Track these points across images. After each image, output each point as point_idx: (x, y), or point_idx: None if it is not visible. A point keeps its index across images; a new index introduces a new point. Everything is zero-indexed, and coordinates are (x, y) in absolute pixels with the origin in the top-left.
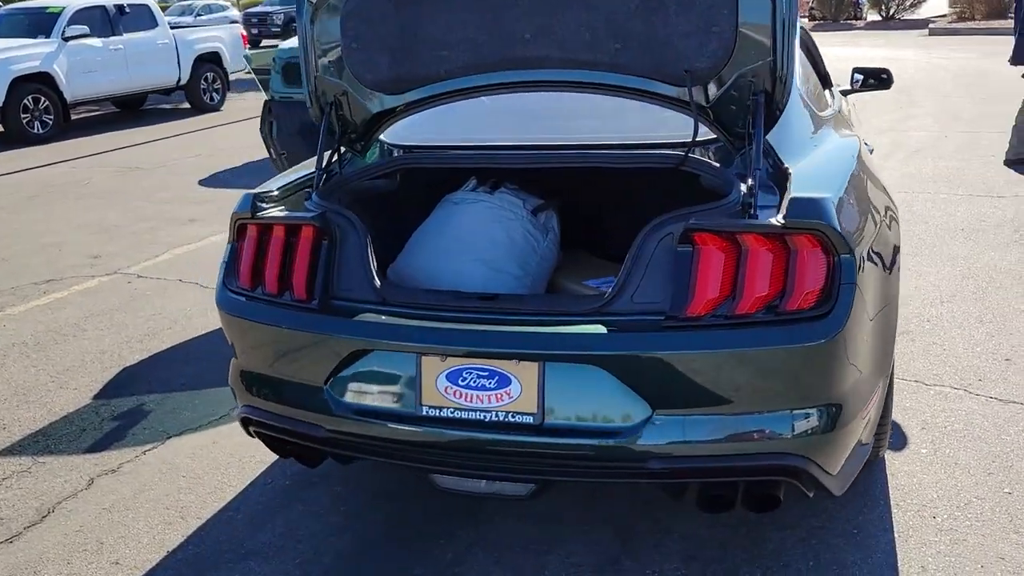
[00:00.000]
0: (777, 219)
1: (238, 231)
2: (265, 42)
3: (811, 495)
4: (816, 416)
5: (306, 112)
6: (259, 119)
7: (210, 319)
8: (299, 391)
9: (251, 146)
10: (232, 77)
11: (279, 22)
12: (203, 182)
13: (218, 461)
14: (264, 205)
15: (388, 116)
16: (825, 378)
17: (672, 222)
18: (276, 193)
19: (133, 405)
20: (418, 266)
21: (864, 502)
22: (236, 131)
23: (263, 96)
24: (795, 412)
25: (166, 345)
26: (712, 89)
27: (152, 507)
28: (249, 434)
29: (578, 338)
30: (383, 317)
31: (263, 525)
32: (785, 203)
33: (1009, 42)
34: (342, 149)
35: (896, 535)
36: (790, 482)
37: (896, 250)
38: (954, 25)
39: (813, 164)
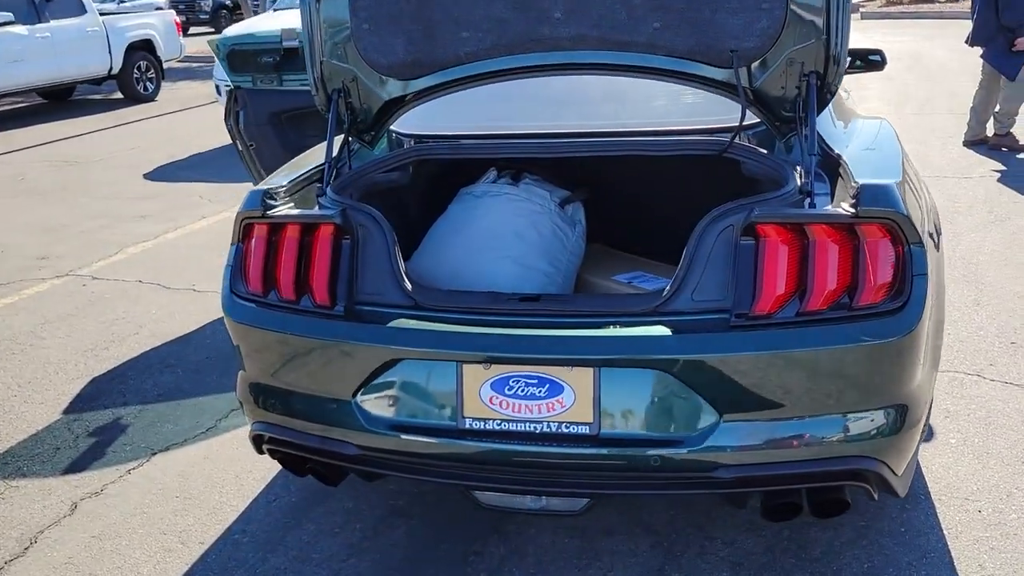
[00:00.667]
0: (845, 207)
1: (244, 231)
2: (193, 29)
3: (876, 498)
4: (886, 416)
5: (276, 101)
6: (199, 103)
7: (178, 323)
8: (323, 405)
9: (194, 137)
10: (166, 65)
11: (207, 9)
12: (148, 176)
13: (212, 479)
14: (274, 203)
15: (399, 104)
16: (898, 375)
17: (732, 213)
18: (284, 189)
19: (108, 419)
20: (437, 265)
21: (906, 498)
22: (175, 122)
23: (200, 85)
24: (868, 412)
25: (134, 352)
26: (758, 70)
27: (147, 533)
28: (259, 451)
29: (640, 341)
30: (417, 323)
31: (275, 548)
32: (851, 190)
33: (938, 25)
34: (350, 140)
35: (945, 532)
36: (860, 486)
37: (941, 233)
38: (885, 9)
39: (859, 149)
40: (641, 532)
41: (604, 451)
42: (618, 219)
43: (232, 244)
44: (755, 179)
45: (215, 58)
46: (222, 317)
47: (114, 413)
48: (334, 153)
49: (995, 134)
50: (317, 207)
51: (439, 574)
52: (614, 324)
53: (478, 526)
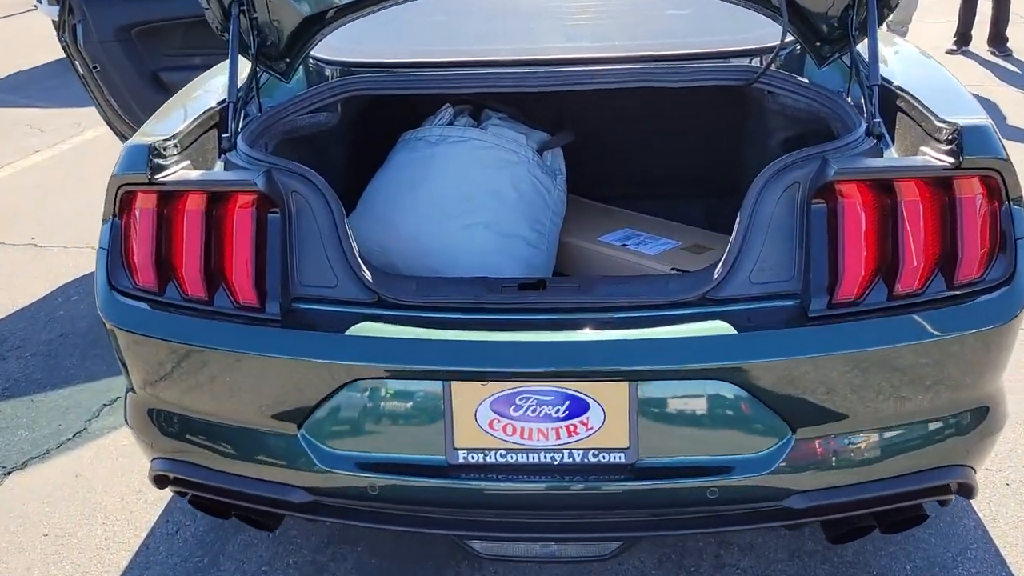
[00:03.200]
0: (935, 155)
1: (123, 202)
2: None
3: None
4: (977, 415)
5: (122, 12)
6: (7, 12)
7: (18, 290)
8: (256, 439)
9: (12, 52)
10: None
11: None
12: None
13: (90, 505)
14: (163, 162)
15: (322, 21)
16: (994, 367)
17: (796, 167)
18: (175, 143)
19: None
20: (383, 235)
21: None
22: None
23: None
24: (962, 413)
25: None
26: None
27: None
28: (162, 488)
29: (694, 344)
30: (385, 327)
31: None
32: (943, 134)
33: None
34: (257, 71)
35: (980, 514)
36: (946, 498)
37: None
38: None
39: (908, 76)
40: (644, 544)
41: (644, 484)
42: (589, 162)
43: (105, 220)
44: (789, 115)
45: None
46: (74, 280)
47: None
48: (238, 89)
49: None
50: (222, 165)
51: None
52: (653, 319)
53: (440, 550)
